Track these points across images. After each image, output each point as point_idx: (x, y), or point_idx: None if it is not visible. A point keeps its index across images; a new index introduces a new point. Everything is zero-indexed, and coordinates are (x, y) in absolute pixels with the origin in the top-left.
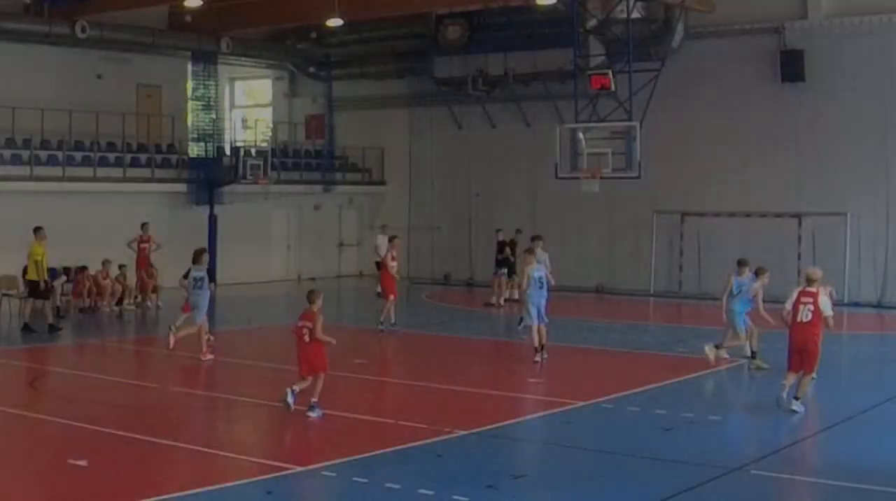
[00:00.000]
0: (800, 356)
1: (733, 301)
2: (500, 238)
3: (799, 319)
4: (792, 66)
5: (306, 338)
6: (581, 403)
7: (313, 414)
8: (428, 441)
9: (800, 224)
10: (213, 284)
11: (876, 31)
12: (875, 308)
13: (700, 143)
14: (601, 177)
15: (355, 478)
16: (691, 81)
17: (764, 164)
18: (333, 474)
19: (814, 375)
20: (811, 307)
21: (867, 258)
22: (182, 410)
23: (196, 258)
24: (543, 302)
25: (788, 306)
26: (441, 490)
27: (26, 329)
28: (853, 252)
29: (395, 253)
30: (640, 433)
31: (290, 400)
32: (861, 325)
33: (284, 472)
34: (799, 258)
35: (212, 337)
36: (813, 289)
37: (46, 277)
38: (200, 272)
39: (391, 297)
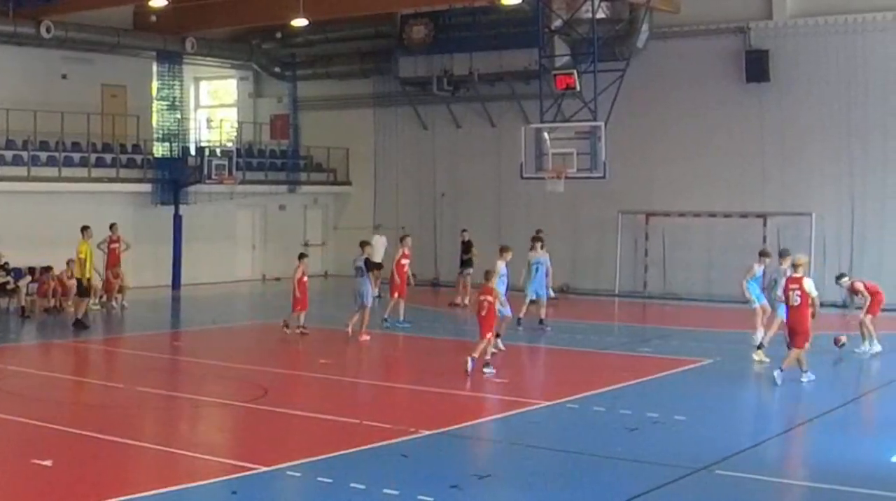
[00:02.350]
0: (794, 336)
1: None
2: (465, 238)
3: (791, 304)
4: (757, 67)
5: (483, 313)
6: (546, 403)
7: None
8: (393, 441)
9: (765, 224)
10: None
11: (840, 32)
12: (840, 308)
13: (665, 143)
14: (566, 177)
15: (320, 478)
16: (656, 81)
17: (729, 164)
18: (298, 474)
19: (806, 347)
20: (798, 292)
21: (832, 258)
22: (147, 410)
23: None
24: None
25: (780, 293)
26: (406, 491)
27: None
28: (818, 252)
29: (406, 251)
30: (605, 433)
31: (469, 366)
32: (826, 325)
33: (249, 472)
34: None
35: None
36: (799, 275)
37: (90, 275)
38: (360, 262)
39: (395, 295)
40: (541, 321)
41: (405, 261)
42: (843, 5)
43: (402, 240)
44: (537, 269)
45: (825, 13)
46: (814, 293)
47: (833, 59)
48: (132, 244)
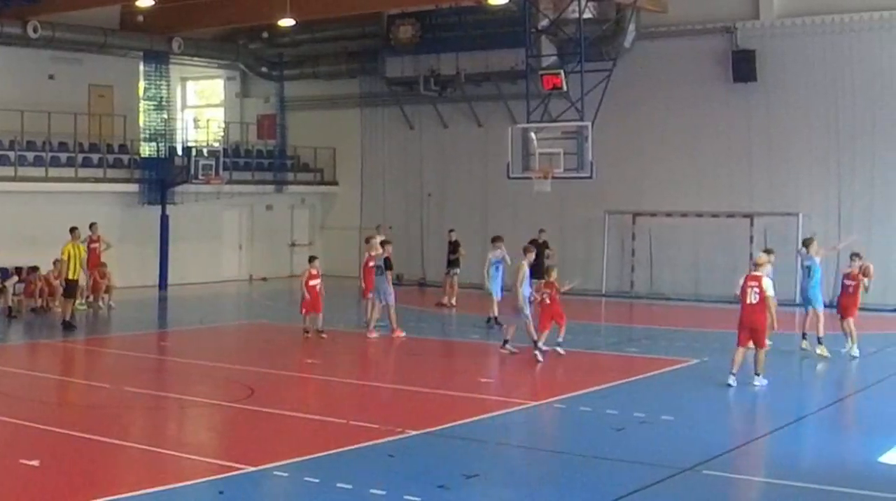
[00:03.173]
0: (749, 334)
1: (811, 284)
2: (452, 238)
3: (748, 301)
4: (744, 66)
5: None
6: (533, 403)
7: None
8: (380, 441)
9: (752, 224)
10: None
11: (827, 32)
12: (827, 307)
13: (652, 143)
14: (553, 178)
15: (307, 478)
16: (643, 81)
17: (716, 164)
18: (285, 474)
19: (767, 348)
20: (757, 290)
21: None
22: (134, 410)
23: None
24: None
25: (737, 290)
26: (393, 491)
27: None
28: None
29: (372, 254)
30: (592, 433)
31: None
32: (813, 325)
33: (236, 472)
34: (751, 258)
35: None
36: (758, 274)
37: (75, 276)
38: (380, 261)
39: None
40: (489, 319)
41: (372, 264)
42: (829, 5)
43: (367, 241)
44: (497, 268)
45: (812, 13)
46: (770, 292)
47: (820, 59)
48: (118, 244)
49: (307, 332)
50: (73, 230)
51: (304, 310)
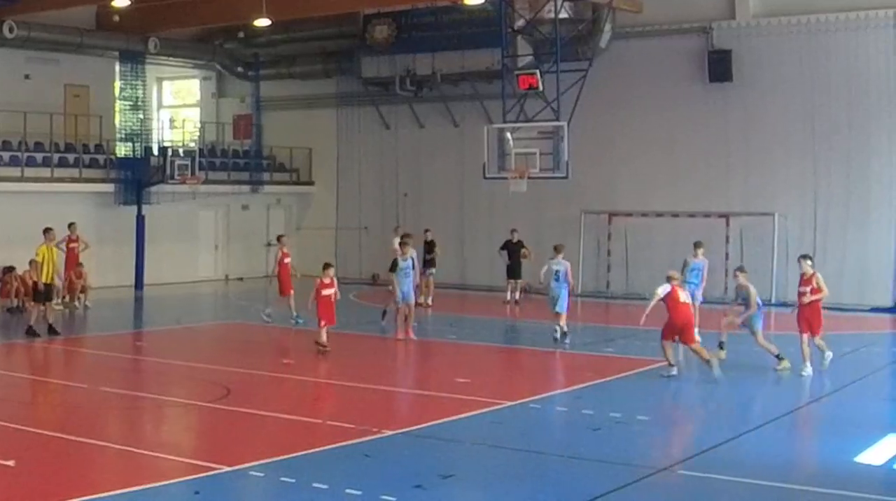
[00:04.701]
0: (683, 330)
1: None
2: (428, 238)
3: (682, 301)
4: (720, 67)
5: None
6: (509, 403)
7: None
8: (356, 441)
9: (728, 224)
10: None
11: (803, 32)
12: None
13: (628, 143)
14: (529, 177)
15: (283, 478)
16: (619, 81)
17: (692, 164)
18: (261, 474)
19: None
20: (686, 293)
21: (795, 258)
22: (110, 410)
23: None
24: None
25: (661, 293)
26: (369, 490)
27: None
28: (781, 252)
29: (285, 250)
30: (567, 433)
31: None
32: (788, 325)
33: (212, 472)
34: (727, 258)
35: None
36: (675, 285)
37: (49, 279)
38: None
39: (287, 292)
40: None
41: (287, 261)
42: (805, 5)
43: (279, 239)
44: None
45: (788, 13)
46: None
47: (796, 59)
48: (94, 244)
49: (325, 346)
50: (46, 231)
51: (322, 323)
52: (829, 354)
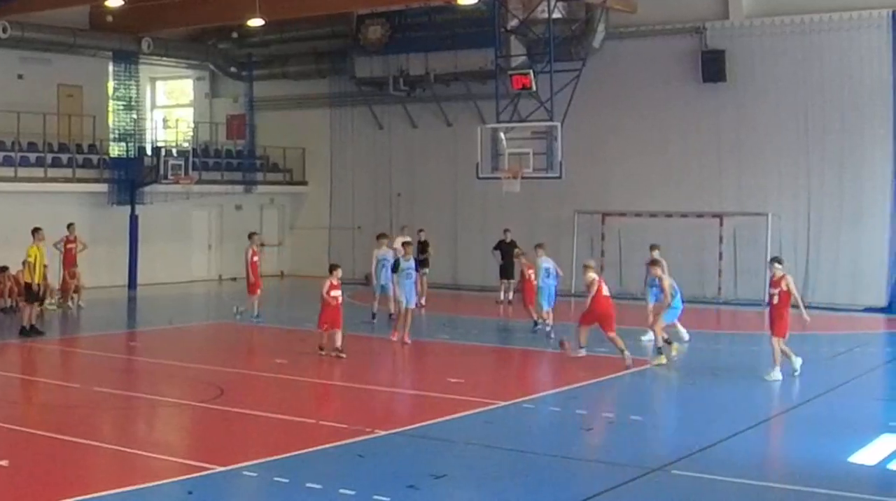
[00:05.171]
0: (603, 319)
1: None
2: (422, 238)
3: (605, 294)
4: (713, 67)
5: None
6: (502, 403)
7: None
8: (349, 441)
9: (721, 224)
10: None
11: (797, 32)
12: (795, 308)
13: (621, 144)
14: (522, 177)
15: (276, 478)
16: (612, 81)
17: (685, 164)
18: (254, 474)
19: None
20: (607, 287)
21: (788, 258)
22: (104, 410)
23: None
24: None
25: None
26: (362, 490)
27: (30, 331)
28: (774, 252)
29: (255, 248)
30: (560, 433)
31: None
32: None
33: (205, 472)
34: (720, 258)
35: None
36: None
37: (40, 279)
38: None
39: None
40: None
41: (256, 259)
42: (798, 5)
43: (250, 236)
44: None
45: (781, 13)
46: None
47: (789, 59)
48: (89, 244)
49: (322, 349)
50: (36, 231)
51: (323, 326)
52: (797, 360)
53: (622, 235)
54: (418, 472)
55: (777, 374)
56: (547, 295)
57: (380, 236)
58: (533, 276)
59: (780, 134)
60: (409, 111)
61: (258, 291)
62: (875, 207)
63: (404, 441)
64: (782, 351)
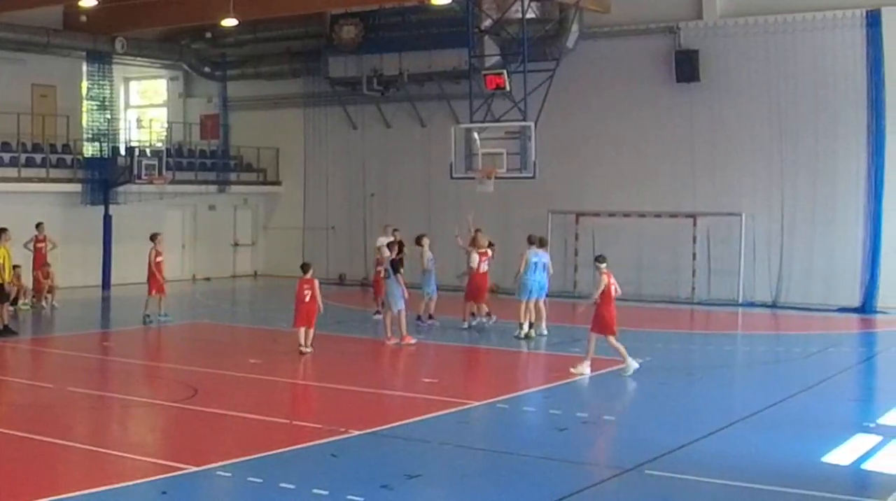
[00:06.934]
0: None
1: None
2: (397, 238)
3: (480, 270)
4: (687, 67)
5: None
6: (476, 403)
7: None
8: (323, 441)
9: (695, 224)
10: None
11: (770, 32)
12: (769, 308)
13: (595, 143)
14: (496, 177)
15: (250, 478)
16: (586, 81)
17: (659, 164)
18: (228, 474)
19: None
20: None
21: (762, 258)
22: (76, 410)
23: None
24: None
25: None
26: (336, 490)
27: (3, 331)
28: (748, 252)
29: (159, 249)
30: (534, 433)
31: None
32: (755, 325)
33: (179, 472)
34: (694, 258)
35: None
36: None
37: (9, 278)
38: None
39: (154, 292)
40: (430, 316)
41: (160, 259)
42: (772, 5)
43: (152, 237)
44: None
45: (755, 13)
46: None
47: (763, 59)
48: (62, 244)
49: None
50: (2, 232)
51: (296, 324)
52: (634, 363)
53: (596, 235)
54: (392, 472)
55: (585, 368)
56: (526, 290)
57: (419, 238)
58: (482, 268)
59: (754, 134)
60: (382, 111)
61: (163, 292)
62: (849, 207)
63: (378, 441)
64: (616, 349)
